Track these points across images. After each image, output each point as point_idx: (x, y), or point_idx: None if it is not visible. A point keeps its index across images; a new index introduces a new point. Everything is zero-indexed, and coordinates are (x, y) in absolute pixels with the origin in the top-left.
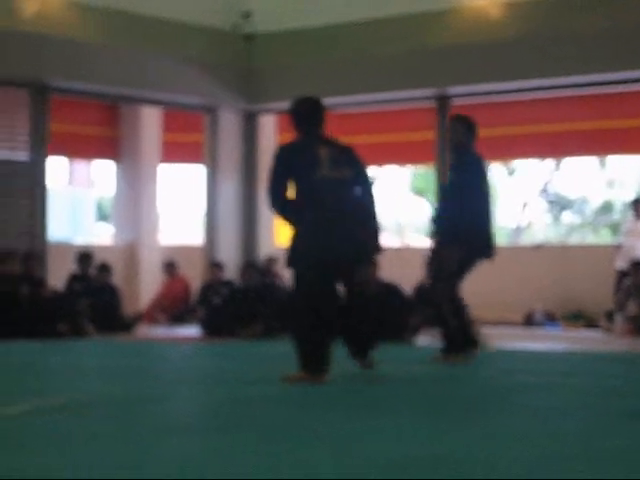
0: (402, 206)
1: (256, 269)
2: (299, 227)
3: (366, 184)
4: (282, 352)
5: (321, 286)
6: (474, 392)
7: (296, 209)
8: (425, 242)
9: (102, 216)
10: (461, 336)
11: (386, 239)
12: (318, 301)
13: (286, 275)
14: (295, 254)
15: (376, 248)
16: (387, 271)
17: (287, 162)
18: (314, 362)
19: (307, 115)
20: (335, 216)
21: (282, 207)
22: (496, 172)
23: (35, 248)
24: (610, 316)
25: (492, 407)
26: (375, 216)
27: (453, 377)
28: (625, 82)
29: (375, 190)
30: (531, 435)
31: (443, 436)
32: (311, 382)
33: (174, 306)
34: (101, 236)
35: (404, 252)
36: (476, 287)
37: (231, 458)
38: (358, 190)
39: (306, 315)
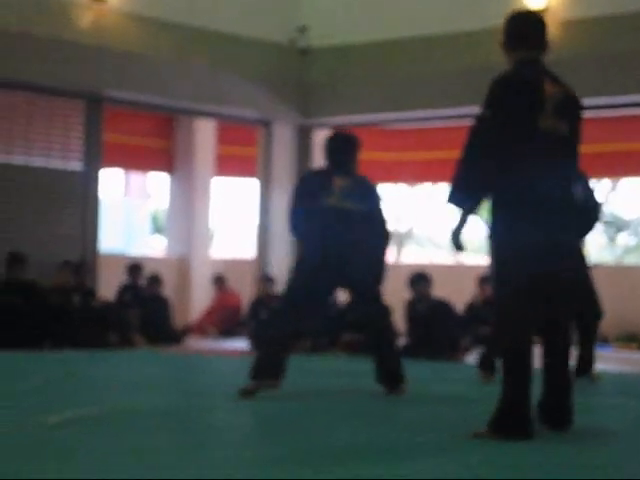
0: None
1: None
2: (301, 253)
3: (376, 222)
4: (326, 367)
5: (297, 307)
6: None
7: (304, 233)
8: (479, 260)
9: (157, 228)
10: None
11: (439, 256)
12: (291, 315)
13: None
14: (292, 274)
15: (374, 283)
16: (440, 289)
17: (304, 188)
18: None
19: (334, 149)
20: (335, 246)
21: (294, 230)
22: None
23: (87, 259)
24: None
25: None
26: (380, 254)
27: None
28: None
29: (387, 228)
30: None
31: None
32: None
33: (225, 319)
34: (155, 248)
35: (457, 270)
36: None
37: (264, 472)
38: (367, 227)
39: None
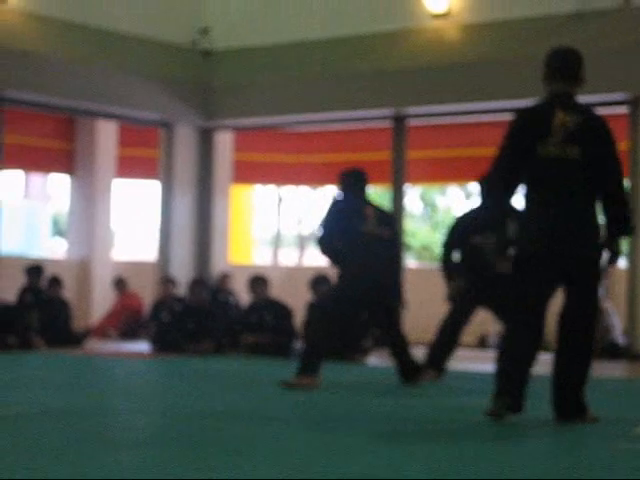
0: None
1: (204, 286)
2: (345, 271)
3: (398, 245)
4: (228, 368)
5: (343, 314)
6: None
7: (344, 256)
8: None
9: (58, 230)
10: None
11: None
12: (336, 322)
13: (237, 291)
14: (340, 287)
15: (398, 300)
16: None
17: (338, 216)
18: (314, 363)
19: (355, 181)
20: (375, 265)
21: (332, 254)
22: (454, 194)
23: None
24: None
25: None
26: (400, 271)
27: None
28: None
29: (403, 250)
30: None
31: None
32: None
33: (126, 321)
34: (56, 251)
35: None
36: (432, 309)
37: (168, 472)
38: (392, 248)
39: (322, 327)
